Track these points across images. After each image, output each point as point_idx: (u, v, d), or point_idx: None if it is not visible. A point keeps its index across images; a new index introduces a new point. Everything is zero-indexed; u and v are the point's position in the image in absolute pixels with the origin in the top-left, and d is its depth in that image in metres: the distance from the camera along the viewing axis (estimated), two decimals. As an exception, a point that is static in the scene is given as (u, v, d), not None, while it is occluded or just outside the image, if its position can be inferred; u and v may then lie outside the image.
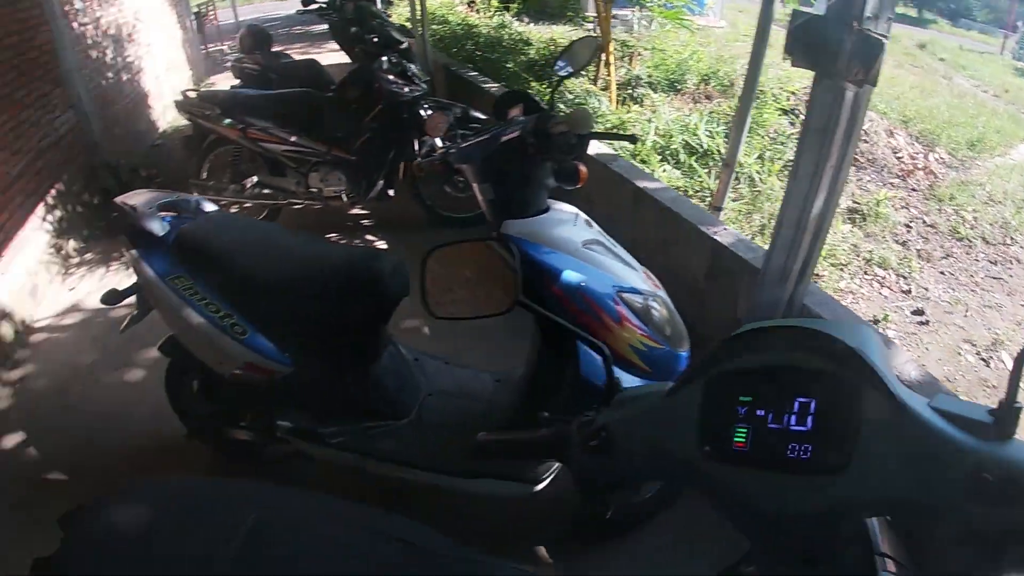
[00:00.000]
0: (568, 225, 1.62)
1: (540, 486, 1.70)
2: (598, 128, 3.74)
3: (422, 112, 3.26)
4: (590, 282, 1.51)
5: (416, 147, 3.32)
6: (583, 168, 1.54)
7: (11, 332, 3.00)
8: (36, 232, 3.45)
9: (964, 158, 6.28)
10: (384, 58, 3.26)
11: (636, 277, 1.61)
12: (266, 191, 3.42)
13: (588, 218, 1.70)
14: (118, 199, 1.82)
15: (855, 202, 4.94)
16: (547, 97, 1.74)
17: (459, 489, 1.73)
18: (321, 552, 0.86)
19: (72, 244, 3.77)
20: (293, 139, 3.26)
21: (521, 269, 1.14)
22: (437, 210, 3.51)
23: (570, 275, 1.51)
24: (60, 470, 2.34)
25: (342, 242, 3.59)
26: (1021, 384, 0.53)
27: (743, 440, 0.65)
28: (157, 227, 1.71)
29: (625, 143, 3.59)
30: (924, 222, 5.13)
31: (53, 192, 3.68)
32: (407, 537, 0.86)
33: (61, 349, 3.01)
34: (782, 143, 4.67)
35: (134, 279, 1.84)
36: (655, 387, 0.78)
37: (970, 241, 4.99)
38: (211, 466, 2.30)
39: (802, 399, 0.63)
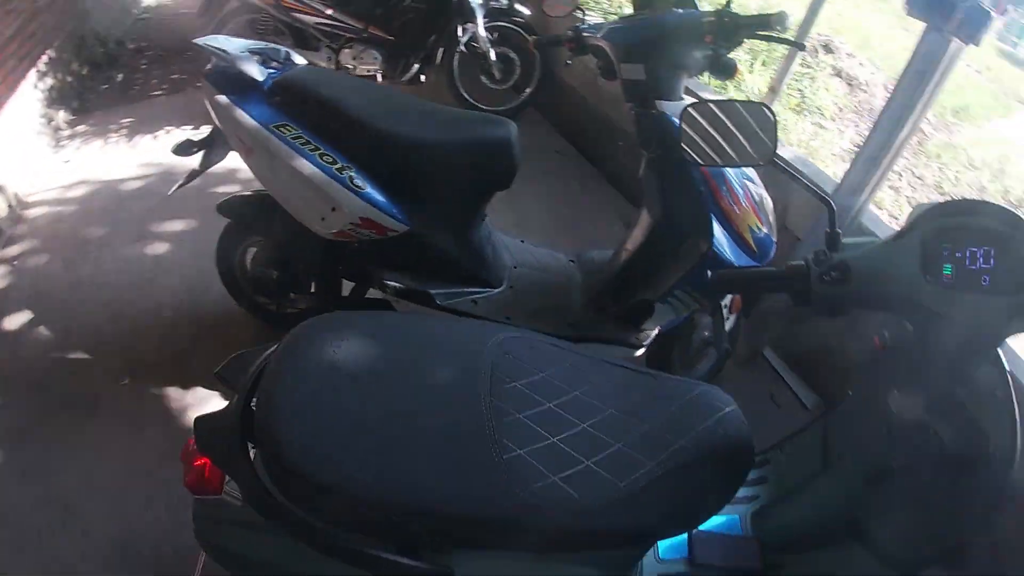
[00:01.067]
0: None
1: (641, 351, 1.80)
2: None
3: None
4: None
5: (460, 33, 3.16)
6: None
7: (3, 206, 2.69)
8: (28, 101, 3.11)
9: (949, 123, 6.49)
10: None
11: (752, 170, 1.72)
12: (293, 65, 3.18)
13: None
14: (199, 40, 1.67)
15: (857, 145, 5.05)
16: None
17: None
18: (560, 368, 1.01)
19: (63, 116, 3.42)
20: (329, 11, 3.01)
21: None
22: (469, 100, 3.37)
23: None
24: (80, 349, 2.14)
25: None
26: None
27: (949, 273, 0.97)
28: (256, 72, 1.60)
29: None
30: (913, 173, 5.29)
31: (44, 59, 3.31)
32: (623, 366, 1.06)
33: (63, 224, 2.73)
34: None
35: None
36: (868, 239, 1.10)
37: (952, 198, 5.22)
38: (258, 336, 2.16)
39: (986, 247, 0.97)
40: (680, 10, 1.62)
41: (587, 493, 0.86)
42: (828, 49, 4.54)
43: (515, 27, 3.27)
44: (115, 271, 2.42)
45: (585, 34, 1.70)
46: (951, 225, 1.00)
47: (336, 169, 1.57)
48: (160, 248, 2.53)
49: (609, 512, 0.86)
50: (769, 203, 1.76)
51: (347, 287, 2.01)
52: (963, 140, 6.35)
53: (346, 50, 3.10)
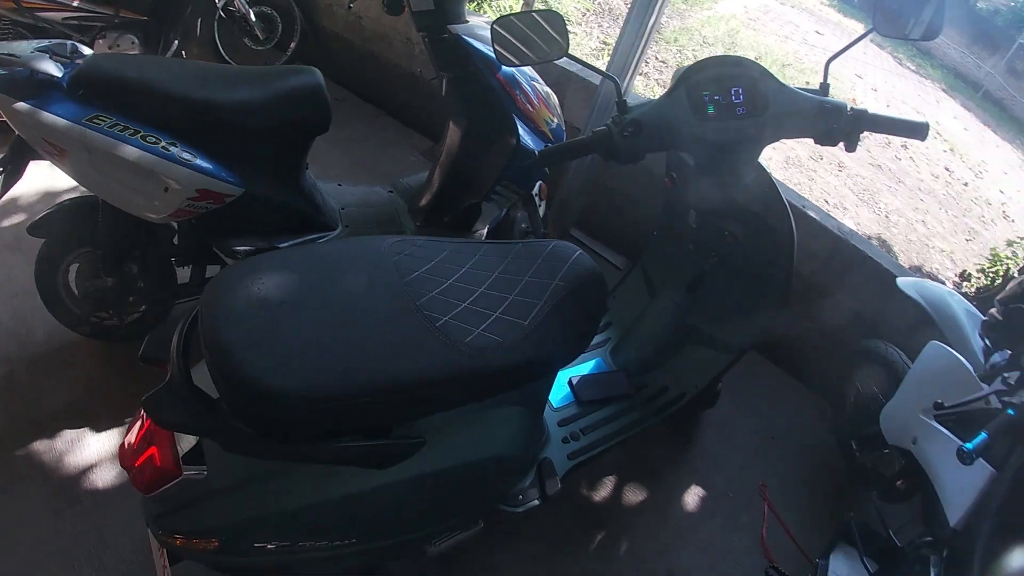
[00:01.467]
0: (487, 30, 1.87)
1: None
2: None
3: None
4: (520, 72, 1.86)
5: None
6: None
7: None
8: None
9: (681, 9, 7.39)
10: None
11: (535, 72, 1.99)
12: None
13: None
14: None
15: (603, 42, 5.59)
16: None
17: None
18: (444, 253, 1.21)
19: None
20: (76, 3, 2.68)
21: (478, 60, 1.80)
22: (235, 64, 3.31)
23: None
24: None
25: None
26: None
27: (712, 111, 1.39)
28: (53, 68, 1.49)
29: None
30: (657, 59, 6.01)
31: None
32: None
33: None
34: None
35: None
36: (647, 101, 1.45)
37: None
38: (108, 357, 2.10)
39: (735, 88, 1.39)
40: None
41: (505, 335, 1.08)
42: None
43: None
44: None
45: None
46: (706, 77, 1.42)
47: (161, 148, 1.54)
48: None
49: (524, 346, 1.09)
50: (555, 98, 2.04)
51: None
52: (695, 23, 7.29)
53: (100, 40, 2.80)
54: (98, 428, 1.91)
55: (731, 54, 1.58)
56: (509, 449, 1.26)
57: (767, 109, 1.40)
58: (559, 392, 1.83)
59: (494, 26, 1.40)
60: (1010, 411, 1.31)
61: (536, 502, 1.53)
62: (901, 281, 1.98)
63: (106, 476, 1.82)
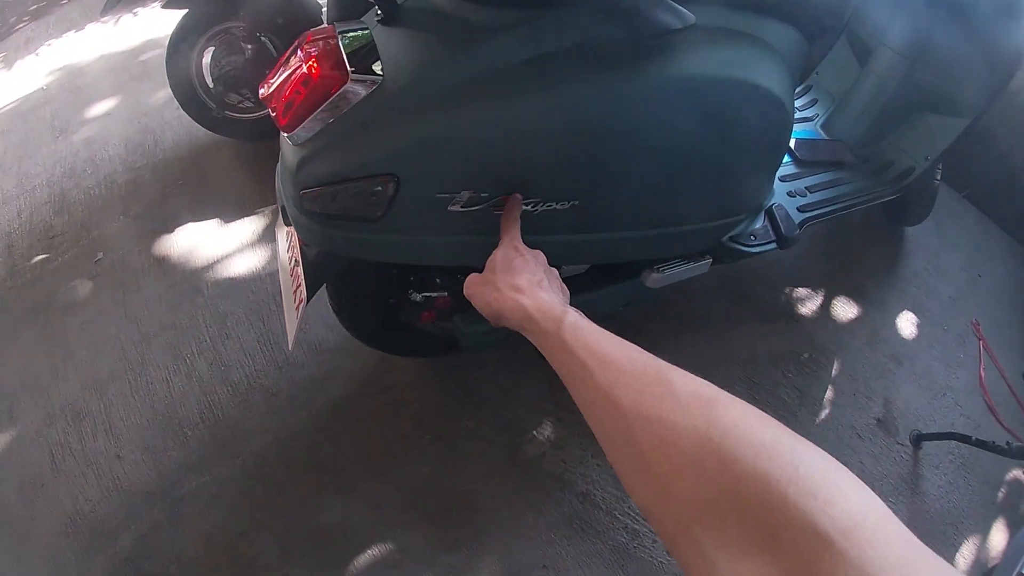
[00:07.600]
0: None
1: None
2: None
3: None
4: None
5: None
6: None
7: None
8: None
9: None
10: None
11: None
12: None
13: None
14: None
15: None
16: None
17: None
18: None
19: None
20: None
21: None
22: None
23: None
24: (43, 252, 1.89)
25: None
26: None
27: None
28: None
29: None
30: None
31: None
32: None
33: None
34: None
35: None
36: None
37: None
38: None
39: None
40: None
41: None
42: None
43: None
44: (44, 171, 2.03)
45: None
46: None
47: None
48: (86, 132, 2.14)
49: None
50: None
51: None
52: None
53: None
54: (226, 220, 1.82)
55: None
56: (765, 81, 0.99)
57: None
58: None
59: None
60: None
61: (772, 245, 1.34)
62: None
63: (230, 267, 1.73)
